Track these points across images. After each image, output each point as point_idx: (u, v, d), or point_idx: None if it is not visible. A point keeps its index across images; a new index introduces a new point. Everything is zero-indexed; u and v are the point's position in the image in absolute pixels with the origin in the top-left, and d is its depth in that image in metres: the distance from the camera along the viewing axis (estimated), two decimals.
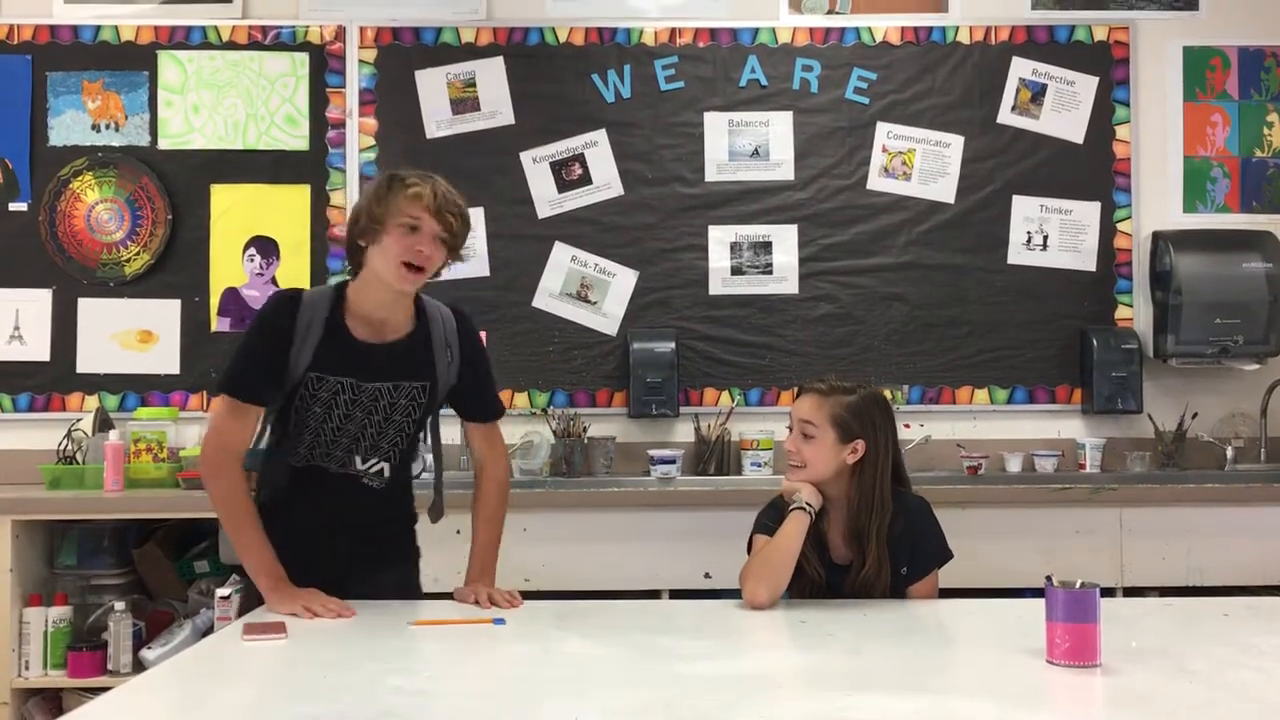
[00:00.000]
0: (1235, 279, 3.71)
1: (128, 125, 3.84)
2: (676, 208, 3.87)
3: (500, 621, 2.11)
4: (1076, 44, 3.91)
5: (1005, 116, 3.90)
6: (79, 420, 3.60)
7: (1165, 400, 3.84)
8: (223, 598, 2.48)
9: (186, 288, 3.82)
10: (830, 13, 3.92)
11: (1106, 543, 3.23)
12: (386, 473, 2.33)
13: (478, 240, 3.84)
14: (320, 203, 3.83)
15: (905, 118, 3.89)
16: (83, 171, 3.82)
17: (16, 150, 3.82)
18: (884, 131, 3.89)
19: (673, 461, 3.62)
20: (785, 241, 3.87)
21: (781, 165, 3.88)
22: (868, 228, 3.87)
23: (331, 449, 2.27)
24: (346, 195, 3.83)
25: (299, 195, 3.81)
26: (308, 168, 3.81)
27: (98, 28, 3.84)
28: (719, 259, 3.87)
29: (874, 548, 2.31)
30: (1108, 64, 3.91)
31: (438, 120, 3.87)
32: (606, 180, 3.87)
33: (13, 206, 3.81)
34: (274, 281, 3.79)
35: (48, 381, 3.78)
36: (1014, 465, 3.73)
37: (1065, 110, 3.90)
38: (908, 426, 3.67)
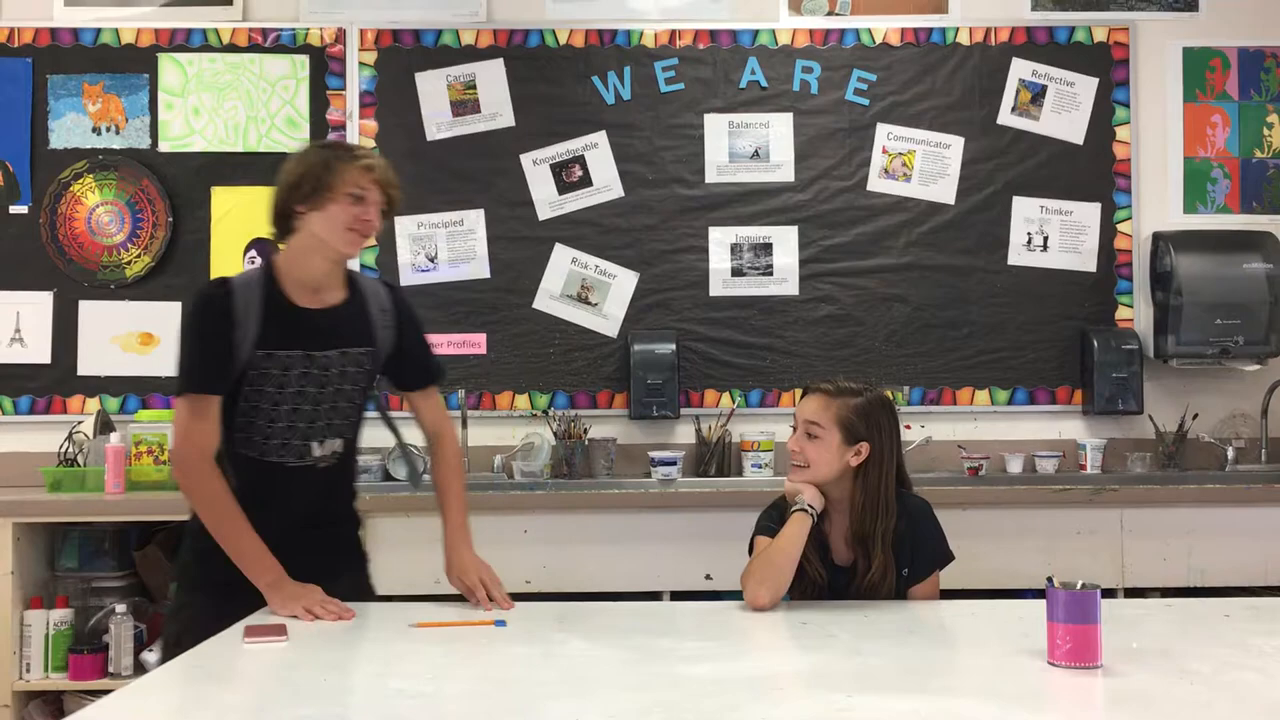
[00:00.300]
0: (1236, 280, 3.71)
1: (128, 128, 3.85)
2: (677, 209, 3.88)
3: (501, 623, 2.11)
4: (1076, 45, 3.91)
5: (1005, 117, 3.90)
6: (80, 423, 3.60)
7: (1166, 401, 3.84)
8: None
9: (187, 290, 3.80)
10: (830, 14, 3.92)
11: (1107, 543, 3.23)
12: (340, 449, 2.32)
13: (478, 242, 3.85)
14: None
15: (905, 119, 3.89)
16: (83, 174, 3.82)
17: (17, 153, 3.82)
18: (884, 133, 3.89)
19: (673, 463, 3.62)
20: (786, 243, 3.87)
21: (782, 167, 3.88)
22: (868, 229, 3.88)
23: (289, 436, 2.25)
24: None
25: None
26: None
27: (98, 30, 3.85)
28: (719, 260, 3.87)
29: (879, 551, 2.30)
30: (1108, 65, 3.91)
31: (438, 122, 3.87)
32: (607, 182, 3.87)
33: (13, 209, 3.82)
34: None
35: (49, 384, 3.79)
36: (1015, 466, 3.73)
37: (1065, 111, 3.90)
38: (909, 427, 3.67)
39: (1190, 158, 3.94)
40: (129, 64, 3.85)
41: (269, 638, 1.97)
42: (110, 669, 3.23)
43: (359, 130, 3.85)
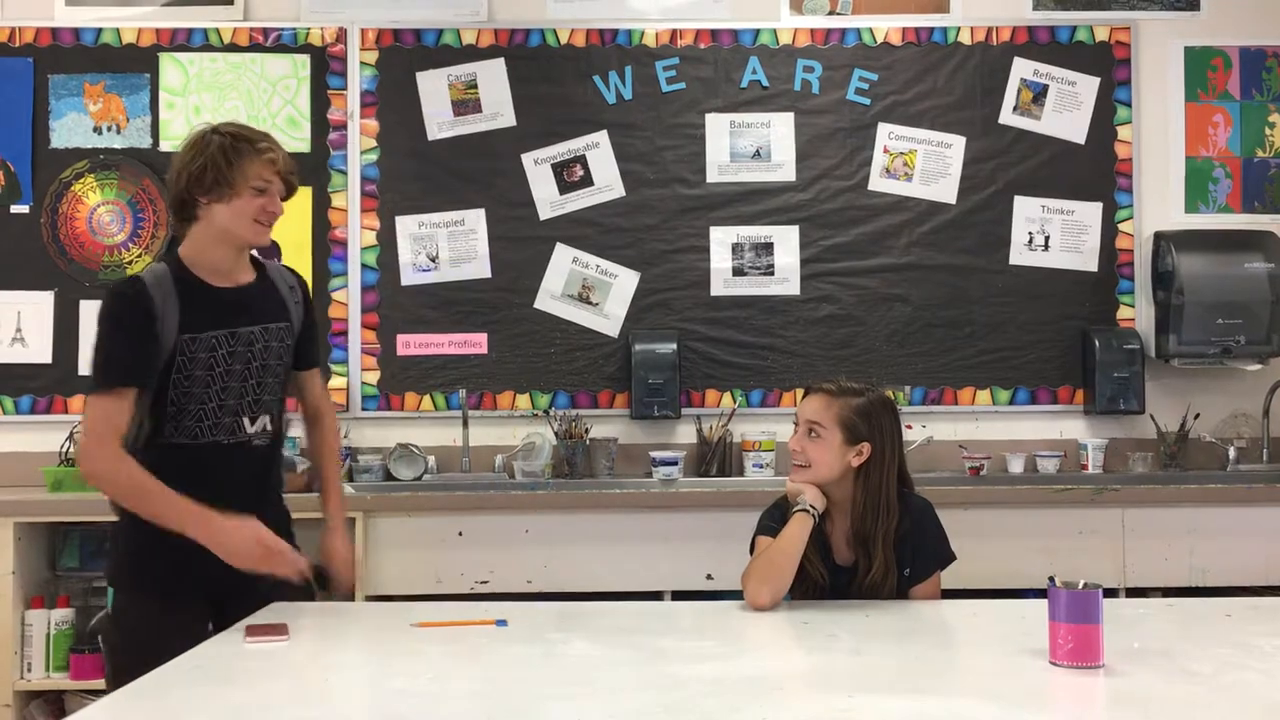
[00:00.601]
0: (1237, 279, 3.71)
1: (129, 127, 3.85)
2: (678, 209, 3.87)
3: (502, 623, 2.11)
4: (1078, 44, 3.91)
5: (1007, 117, 3.90)
6: (81, 423, 3.59)
7: (1167, 401, 3.84)
8: None
9: None
10: (831, 13, 3.92)
11: (1109, 543, 3.23)
12: (269, 426, 2.36)
13: (479, 242, 3.84)
14: (322, 205, 3.84)
15: (907, 118, 3.89)
16: (84, 174, 3.82)
17: (18, 153, 3.82)
18: (885, 132, 3.89)
19: (674, 463, 3.62)
20: (787, 242, 3.87)
21: (783, 166, 3.88)
22: (869, 229, 3.87)
23: (220, 415, 2.27)
24: (348, 197, 3.83)
25: (300, 197, 3.77)
26: (309, 170, 3.80)
27: (99, 30, 3.84)
28: (720, 260, 3.87)
29: (880, 551, 2.30)
30: (1109, 64, 3.91)
31: (439, 122, 3.87)
32: (608, 182, 3.87)
33: (14, 209, 3.82)
34: None
35: (49, 384, 3.79)
36: (1016, 466, 3.73)
37: (1067, 111, 3.89)
38: (910, 427, 3.67)
39: (1192, 157, 3.93)
40: (130, 64, 3.85)
41: (270, 637, 1.97)
42: None
43: (360, 130, 3.85)
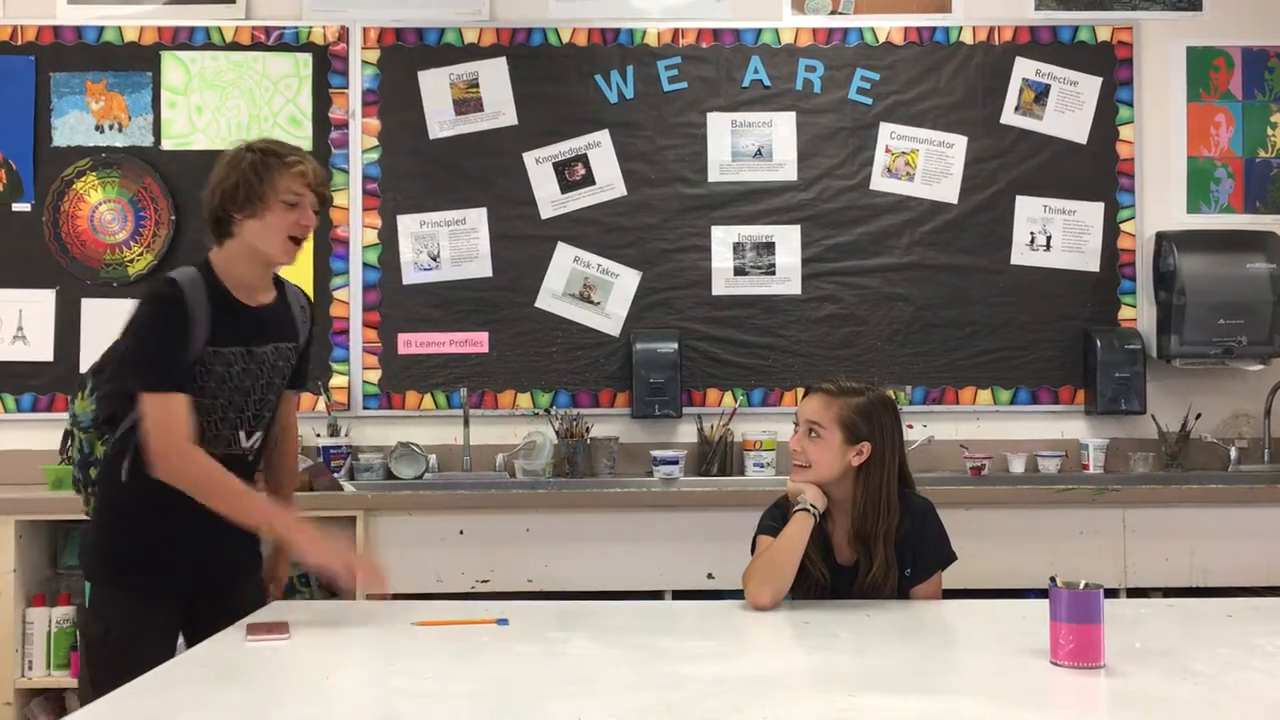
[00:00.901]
0: (1239, 280, 3.71)
1: (131, 126, 3.85)
2: (679, 208, 3.87)
3: (503, 622, 2.11)
4: (1080, 44, 3.91)
5: (1009, 117, 3.90)
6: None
7: (1169, 401, 3.84)
8: None
9: None
10: (833, 13, 3.92)
11: (1110, 544, 3.23)
12: (260, 441, 2.38)
13: (480, 241, 3.84)
14: (323, 204, 3.83)
15: (908, 118, 3.89)
16: (86, 172, 3.82)
17: (20, 151, 3.83)
18: (887, 132, 3.89)
19: (675, 462, 3.62)
20: (788, 242, 3.87)
21: (784, 166, 3.88)
22: (871, 228, 3.87)
23: (220, 428, 2.29)
24: (349, 196, 3.83)
25: None
26: None
27: (101, 28, 3.85)
28: (722, 259, 3.87)
29: (881, 551, 2.30)
30: (1111, 64, 3.90)
31: (441, 121, 3.87)
32: (609, 181, 3.87)
33: (16, 207, 3.82)
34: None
35: (51, 382, 3.79)
36: (1017, 466, 3.73)
37: (1069, 110, 3.89)
38: (911, 427, 3.66)
39: (1194, 157, 3.93)
40: (132, 62, 3.85)
41: (271, 636, 1.97)
42: None
43: (362, 128, 3.85)
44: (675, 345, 3.73)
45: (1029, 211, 3.88)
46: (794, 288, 3.87)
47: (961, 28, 3.90)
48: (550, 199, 3.87)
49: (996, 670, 1.80)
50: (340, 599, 2.86)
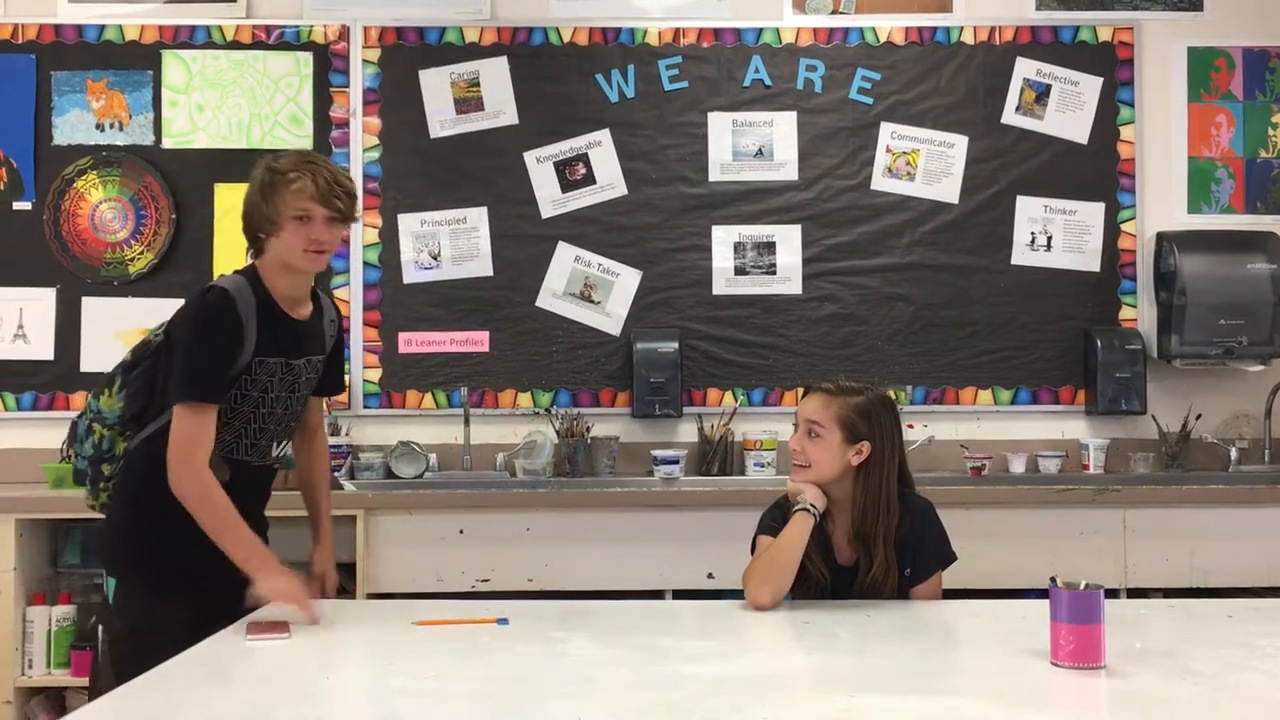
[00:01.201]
0: (1239, 280, 3.70)
1: (132, 124, 3.85)
2: (680, 208, 3.87)
3: (504, 621, 2.11)
4: (1081, 44, 3.91)
5: (1009, 117, 3.90)
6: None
7: (1169, 401, 3.83)
8: None
9: (190, 287, 3.75)
10: (834, 13, 3.91)
11: (1110, 544, 3.23)
12: (287, 450, 2.46)
13: (481, 240, 3.84)
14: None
15: (909, 118, 3.89)
16: (87, 171, 3.82)
17: (21, 149, 3.83)
18: (888, 132, 3.89)
19: (676, 462, 3.61)
20: (789, 242, 3.87)
21: (785, 165, 3.88)
22: (871, 228, 3.87)
23: (259, 438, 2.33)
24: None
25: None
26: None
27: (102, 27, 3.84)
28: (723, 259, 3.87)
29: (881, 550, 2.30)
30: (1112, 64, 3.90)
31: (441, 120, 3.87)
32: (610, 180, 3.87)
33: (17, 205, 3.82)
34: None
35: (51, 380, 3.79)
36: (1018, 466, 3.73)
37: (1069, 111, 3.89)
38: (911, 427, 3.67)
39: (1194, 158, 3.93)
40: (133, 60, 3.85)
41: (271, 635, 1.97)
42: None
43: (362, 127, 3.85)
44: (676, 345, 3.73)
45: (1030, 211, 3.88)
46: (794, 287, 3.86)
47: (962, 28, 3.90)
48: (551, 198, 3.87)
49: (997, 671, 1.80)
50: (343, 599, 2.85)
